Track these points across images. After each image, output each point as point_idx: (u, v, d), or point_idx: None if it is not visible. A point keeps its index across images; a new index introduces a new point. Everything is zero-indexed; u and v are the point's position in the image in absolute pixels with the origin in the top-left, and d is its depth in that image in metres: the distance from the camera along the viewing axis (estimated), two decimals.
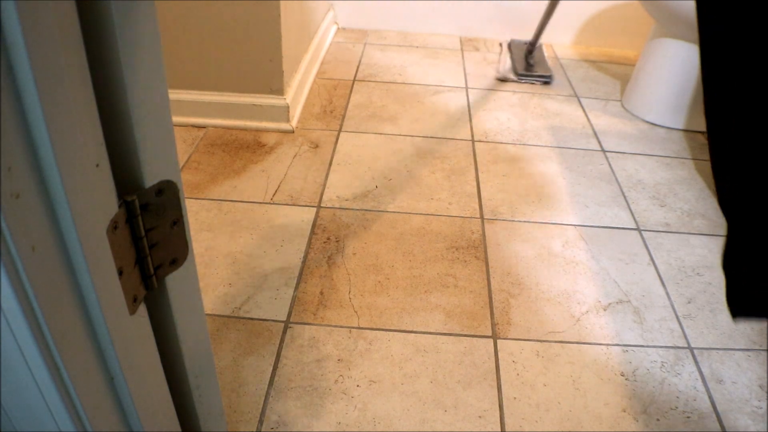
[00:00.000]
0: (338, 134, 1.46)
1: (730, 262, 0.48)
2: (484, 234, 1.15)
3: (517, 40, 2.04)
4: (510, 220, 1.20)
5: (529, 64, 1.87)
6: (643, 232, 1.20)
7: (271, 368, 0.86)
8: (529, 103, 1.68)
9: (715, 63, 0.44)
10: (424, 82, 1.76)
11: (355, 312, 0.96)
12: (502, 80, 1.81)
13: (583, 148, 1.47)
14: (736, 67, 0.42)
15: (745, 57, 0.42)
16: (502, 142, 1.47)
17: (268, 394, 0.83)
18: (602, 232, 1.19)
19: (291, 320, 0.94)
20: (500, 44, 2.06)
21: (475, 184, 1.31)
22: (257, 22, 1.32)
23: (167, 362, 0.47)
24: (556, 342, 0.94)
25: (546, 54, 1.99)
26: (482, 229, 1.17)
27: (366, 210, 1.20)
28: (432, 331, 0.94)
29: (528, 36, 2.09)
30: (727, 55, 0.42)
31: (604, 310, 1.00)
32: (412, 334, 0.93)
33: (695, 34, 1.46)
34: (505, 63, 1.89)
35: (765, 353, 0.95)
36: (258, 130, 1.45)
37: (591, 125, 1.58)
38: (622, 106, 1.70)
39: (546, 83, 1.81)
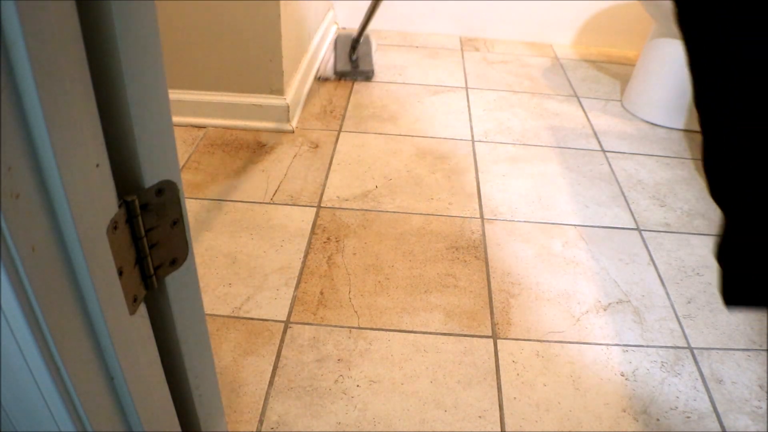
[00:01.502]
0: (338, 134, 1.46)
1: (725, 252, 0.48)
2: (484, 234, 1.15)
3: (344, 34, 1.93)
4: (510, 220, 1.20)
5: (352, 60, 1.79)
6: (643, 232, 1.20)
7: (271, 368, 0.86)
8: (529, 103, 1.68)
9: (701, 51, 0.44)
10: (424, 82, 1.76)
11: (355, 312, 0.96)
12: (323, 79, 1.72)
13: (583, 148, 1.47)
14: (723, 56, 0.43)
15: (732, 43, 0.42)
16: (502, 142, 1.47)
17: (268, 394, 0.83)
18: (602, 232, 1.19)
19: (291, 320, 0.94)
20: (334, 42, 1.95)
21: (475, 184, 1.31)
22: (257, 22, 1.32)
23: (167, 362, 0.47)
24: (556, 342, 0.94)
25: (375, 47, 1.90)
26: (482, 229, 1.17)
27: (366, 210, 1.20)
28: (432, 331, 0.94)
29: (529, 33, 2.09)
30: (713, 44, 0.43)
31: (604, 310, 1.00)
32: (412, 334, 0.93)
33: None
34: (330, 61, 1.80)
35: (765, 353, 0.95)
36: (258, 130, 1.45)
37: (591, 125, 1.58)
38: (622, 106, 1.70)
39: (368, 79, 1.74)
